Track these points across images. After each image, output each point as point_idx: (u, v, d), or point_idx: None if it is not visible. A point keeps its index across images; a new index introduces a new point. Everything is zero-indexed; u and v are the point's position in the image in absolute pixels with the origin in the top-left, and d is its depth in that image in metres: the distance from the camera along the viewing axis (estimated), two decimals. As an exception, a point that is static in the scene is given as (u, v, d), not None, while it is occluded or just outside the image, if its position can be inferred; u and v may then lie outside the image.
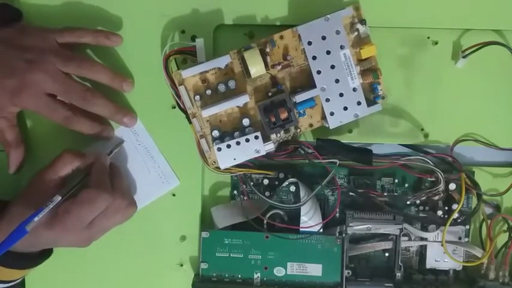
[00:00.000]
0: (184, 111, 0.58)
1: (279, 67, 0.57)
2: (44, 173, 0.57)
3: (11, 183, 0.63)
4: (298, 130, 0.59)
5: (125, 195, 0.58)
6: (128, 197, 0.59)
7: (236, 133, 0.57)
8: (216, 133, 0.57)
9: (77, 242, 0.57)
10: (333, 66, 0.57)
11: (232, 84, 0.57)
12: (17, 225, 0.53)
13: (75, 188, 0.57)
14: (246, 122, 0.57)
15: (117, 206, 0.57)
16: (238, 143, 0.57)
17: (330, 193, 0.63)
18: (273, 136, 0.58)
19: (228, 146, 0.57)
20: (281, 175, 0.62)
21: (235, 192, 0.63)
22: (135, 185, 0.63)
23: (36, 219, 0.53)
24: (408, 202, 0.62)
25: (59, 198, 0.55)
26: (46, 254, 0.61)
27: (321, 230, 0.61)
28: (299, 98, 0.57)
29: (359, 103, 0.57)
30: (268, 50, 0.57)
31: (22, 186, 0.62)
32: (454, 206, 0.60)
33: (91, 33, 0.59)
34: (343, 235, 0.61)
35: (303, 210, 0.60)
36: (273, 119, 0.57)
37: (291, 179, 0.61)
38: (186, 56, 0.59)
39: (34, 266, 0.60)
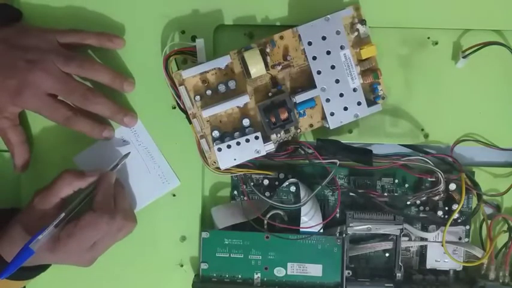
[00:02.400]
0: (184, 111, 0.58)
1: (279, 67, 0.57)
2: (44, 194, 0.57)
3: (10, 184, 0.63)
4: (299, 130, 0.59)
5: (127, 215, 0.58)
6: (130, 216, 0.59)
7: (236, 133, 0.57)
8: (216, 133, 0.57)
9: (79, 263, 0.58)
10: (333, 67, 0.57)
11: (232, 84, 0.57)
12: (18, 247, 0.53)
13: (80, 206, 0.57)
14: (246, 122, 0.57)
15: (119, 226, 0.57)
16: (238, 143, 0.57)
17: (330, 193, 0.63)
18: (273, 136, 0.58)
19: (228, 146, 0.57)
20: (281, 175, 0.62)
21: (235, 192, 0.63)
22: (135, 185, 0.63)
23: (40, 237, 0.53)
24: (408, 202, 0.62)
25: (62, 214, 0.55)
26: (46, 265, 0.60)
27: (321, 230, 0.61)
28: (299, 98, 0.57)
29: (359, 103, 0.57)
30: (268, 50, 0.57)
31: (22, 186, 0.62)
32: (454, 206, 0.60)
33: (94, 35, 0.59)
34: (344, 235, 0.61)
35: (303, 210, 0.60)
36: (273, 119, 0.57)
37: (291, 179, 0.61)
38: (186, 56, 0.59)
39: (33, 277, 0.60)
